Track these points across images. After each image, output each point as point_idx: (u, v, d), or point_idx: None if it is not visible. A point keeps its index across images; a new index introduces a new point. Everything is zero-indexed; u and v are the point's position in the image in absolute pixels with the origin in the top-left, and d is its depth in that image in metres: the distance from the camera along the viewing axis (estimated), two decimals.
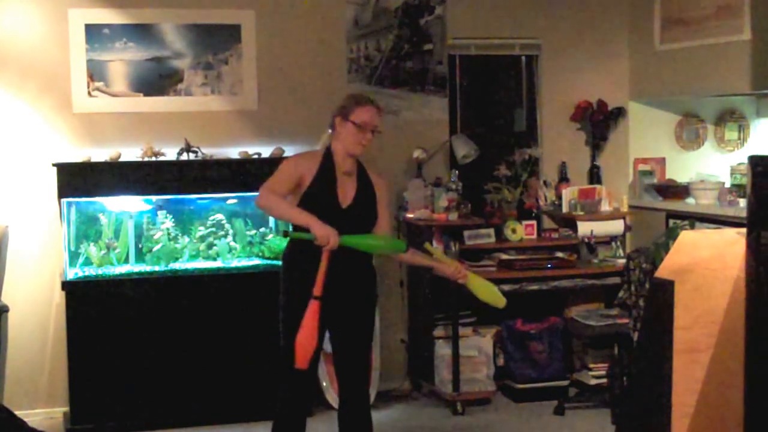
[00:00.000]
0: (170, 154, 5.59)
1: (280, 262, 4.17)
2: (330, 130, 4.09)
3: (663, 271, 3.11)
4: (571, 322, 5.79)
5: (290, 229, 3.98)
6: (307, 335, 3.82)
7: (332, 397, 5.61)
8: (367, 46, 6.05)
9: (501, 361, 5.91)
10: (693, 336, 2.97)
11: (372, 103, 4.06)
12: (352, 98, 4.09)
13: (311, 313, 3.82)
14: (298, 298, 3.96)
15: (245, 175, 5.55)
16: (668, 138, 6.46)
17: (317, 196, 3.95)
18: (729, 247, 3.02)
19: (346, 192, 4.00)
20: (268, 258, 5.60)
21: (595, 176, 6.34)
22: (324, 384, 5.60)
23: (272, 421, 4.14)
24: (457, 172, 5.97)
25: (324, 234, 3.77)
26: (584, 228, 5.97)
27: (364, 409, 4.12)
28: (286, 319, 4.04)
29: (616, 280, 5.64)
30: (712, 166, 6.23)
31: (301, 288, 3.96)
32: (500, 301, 4.18)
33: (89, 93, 5.63)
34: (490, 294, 4.16)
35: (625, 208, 6.21)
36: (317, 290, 3.81)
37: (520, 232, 5.97)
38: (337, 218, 3.91)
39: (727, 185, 5.87)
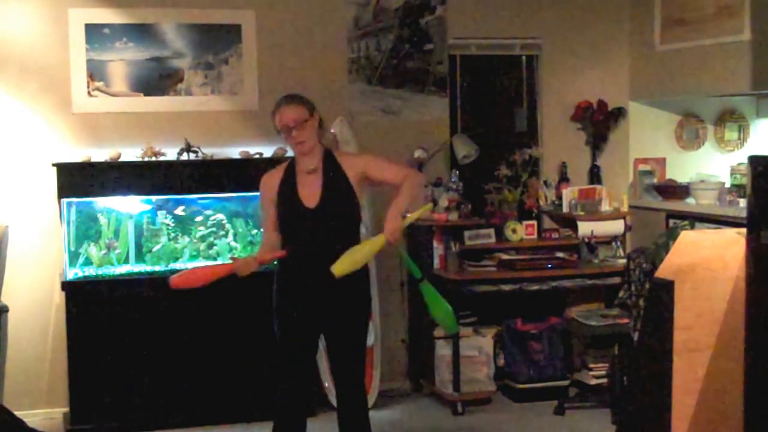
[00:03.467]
0: (170, 154, 5.58)
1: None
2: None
3: (663, 271, 3.12)
4: (571, 322, 5.79)
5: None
6: (197, 275, 4.04)
7: (334, 397, 5.60)
8: (368, 46, 6.05)
9: (501, 361, 5.91)
10: (693, 336, 2.97)
11: (286, 103, 3.97)
12: (274, 106, 4.04)
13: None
14: (290, 301, 4.00)
15: (245, 175, 5.55)
16: (668, 138, 6.46)
17: (283, 201, 3.97)
18: (729, 247, 3.02)
19: (313, 191, 3.95)
20: None
21: (595, 176, 6.34)
22: (326, 384, 5.60)
23: (272, 421, 4.15)
24: (457, 172, 5.97)
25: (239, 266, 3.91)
26: (584, 228, 5.97)
27: (362, 410, 4.12)
28: (279, 324, 4.06)
29: (616, 280, 5.64)
30: (712, 166, 6.23)
31: (292, 292, 3.99)
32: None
33: (89, 93, 5.63)
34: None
35: (625, 208, 6.21)
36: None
37: (521, 232, 5.97)
38: (303, 219, 3.93)
39: (727, 185, 5.87)
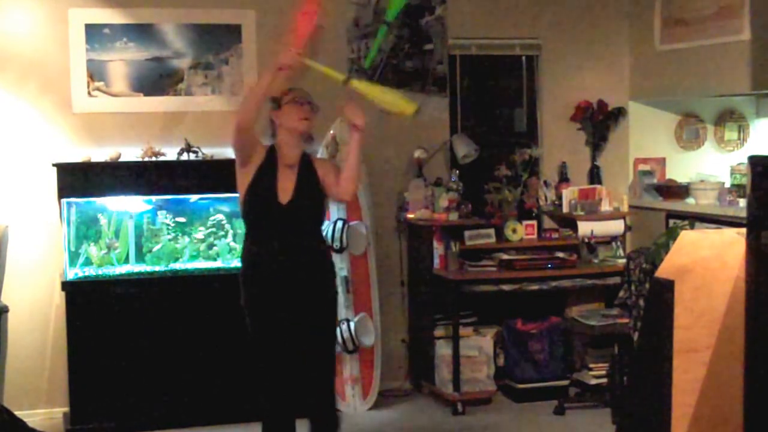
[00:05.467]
0: (170, 154, 5.58)
1: None
2: (271, 134, 4.10)
3: (663, 271, 3.12)
4: (571, 322, 5.79)
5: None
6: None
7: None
8: (368, 46, 6.05)
9: (501, 361, 5.91)
10: (693, 336, 2.97)
11: (295, 88, 4.09)
12: (280, 95, 4.10)
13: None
14: (258, 298, 3.96)
15: None
16: (668, 138, 6.46)
17: (258, 192, 3.95)
18: (729, 247, 3.02)
19: (286, 186, 3.96)
20: None
21: (595, 176, 6.34)
22: None
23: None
24: (457, 172, 5.97)
25: (284, 56, 3.90)
26: (584, 228, 5.98)
27: (331, 413, 4.08)
28: (251, 319, 4.01)
29: (616, 280, 5.64)
30: (712, 166, 6.23)
31: (260, 289, 3.94)
32: (408, 107, 4.07)
33: (89, 93, 5.63)
34: (395, 101, 4.08)
35: (625, 208, 6.21)
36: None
37: (521, 232, 5.97)
38: (277, 215, 3.93)
39: (727, 185, 5.87)
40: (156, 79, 5.73)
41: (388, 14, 4.12)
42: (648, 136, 6.44)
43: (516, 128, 6.55)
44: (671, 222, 5.74)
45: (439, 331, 5.79)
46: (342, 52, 5.99)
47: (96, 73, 5.63)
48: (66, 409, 5.42)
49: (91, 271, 5.40)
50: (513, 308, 5.98)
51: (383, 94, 4.12)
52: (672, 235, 4.72)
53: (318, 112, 4.12)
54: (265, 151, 4.03)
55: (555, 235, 6.08)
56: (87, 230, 5.53)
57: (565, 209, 6.12)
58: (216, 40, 5.80)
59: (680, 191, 6.06)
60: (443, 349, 5.72)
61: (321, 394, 4.06)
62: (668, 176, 6.36)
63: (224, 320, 5.41)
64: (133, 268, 5.50)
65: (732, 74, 5.56)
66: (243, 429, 5.30)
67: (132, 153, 5.55)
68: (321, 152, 5.54)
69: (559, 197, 6.18)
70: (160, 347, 5.36)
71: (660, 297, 3.06)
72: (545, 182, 6.27)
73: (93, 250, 5.49)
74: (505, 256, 5.81)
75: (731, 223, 5.02)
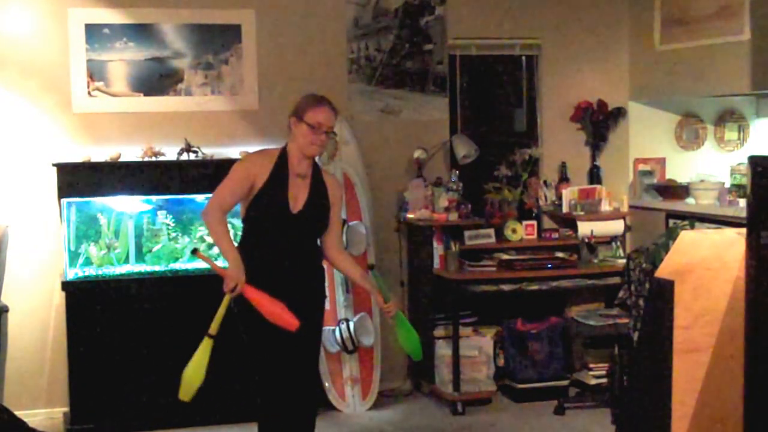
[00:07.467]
0: (170, 154, 5.59)
1: None
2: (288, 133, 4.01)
3: (663, 271, 3.12)
4: (571, 322, 5.79)
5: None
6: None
7: (334, 398, 5.61)
8: (368, 46, 6.05)
9: (501, 361, 5.92)
10: (693, 336, 2.97)
11: (327, 104, 3.96)
12: (307, 98, 3.99)
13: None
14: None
15: None
16: (668, 138, 6.46)
17: (268, 200, 3.87)
18: (729, 247, 3.02)
19: (298, 196, 3.91)
20: None
21: (595, 176, 6.34)
22: (326, 384, 5.60)
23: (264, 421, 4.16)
24: (457, 172, 5.97)
25: (233, 278, 3.74)
26: (584, 228, 5.98)
27: (311, 418, 4.07)
28: (248, 325, 3.95)
29: (616, 280, 5.64)
30: (712, 166, 6.23)
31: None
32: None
33: (89, 93, 5.63)
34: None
35: (625, 208, 6.21)
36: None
37: (521, 232, 5.97)
38: (286, 223, 3.88)
39: (727, 185, 5.87)
40: (156, 79, 5.73)
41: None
42: (648, 136, 6.45)
43: (516, 128, 6.55)
44: (671, 222, 5.74)
45: (439, 331, 5.79)
46: (342, 52, 5.99)
47: (96, 73, 5.63)
48: (66, 409, 5.43)
49: (91, 271, 5.40)
50: (513, 308, 5.98)
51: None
52: (672, 235, 4.72)
53: (333, 137, 4.05)
54: (274, 159, 3.93)
55: (555, 235, 6.08)
56: (87, 230, 5.53)
57: (565, 209, 6.13)
58: (216, 40, 5.80)
59: (680, 191, 6.06)
60: (443, 349, 5.72)
61: (306, 394, 4.04)
62: (668, 176, 6.36)
63: (225, 320, 5.41)
64: (133, 268, 5.50)
65: (732, 74, 5.56)
66: (242, 429, 5.30)
67: (132, 153, 5.55)
68: None
69: (559, 197, 6.19)
70: (159, 347, 5.35)
71: (660, 297, 3.06)
72: (545, 182, 6.27)
73: (93, 250, 5.49)
74: (505, 256, 5.81)
75: (731, 223, 5.02)
